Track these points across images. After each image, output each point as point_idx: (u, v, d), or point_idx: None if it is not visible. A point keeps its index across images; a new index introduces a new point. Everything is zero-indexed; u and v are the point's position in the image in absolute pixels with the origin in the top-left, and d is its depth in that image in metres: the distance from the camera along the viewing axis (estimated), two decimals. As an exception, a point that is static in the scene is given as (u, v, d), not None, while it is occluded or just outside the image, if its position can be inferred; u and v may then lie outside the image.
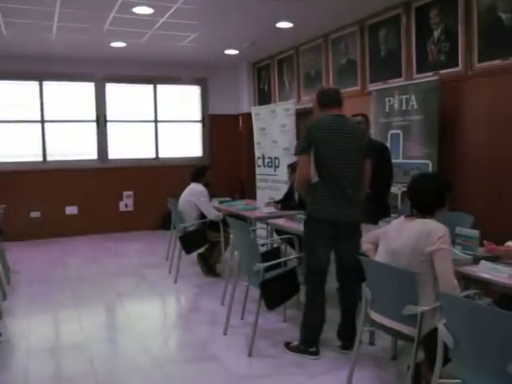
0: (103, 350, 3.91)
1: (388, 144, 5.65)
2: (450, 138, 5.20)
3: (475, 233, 3.20)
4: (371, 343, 3.82)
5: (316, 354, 3.63)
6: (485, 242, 3.35)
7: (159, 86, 9.53)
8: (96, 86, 9.06)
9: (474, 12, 4.92)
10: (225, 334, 4.11)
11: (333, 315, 3.82)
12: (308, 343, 3.65)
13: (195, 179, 6.06)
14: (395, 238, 2.84)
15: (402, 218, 2.91)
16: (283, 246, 5.38)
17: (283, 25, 6.68)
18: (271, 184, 7.82)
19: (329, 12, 6.13)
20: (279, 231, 5.47)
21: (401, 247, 2.77)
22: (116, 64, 8.90)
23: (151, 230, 9.12)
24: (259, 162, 8.10)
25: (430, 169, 5.15)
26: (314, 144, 3.49)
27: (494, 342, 2.01)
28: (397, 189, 5.51)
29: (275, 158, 7.70)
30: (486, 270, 2.85)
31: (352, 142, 3.57)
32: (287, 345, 3.77)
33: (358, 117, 4.84)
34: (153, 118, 9.52)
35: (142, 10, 5.92)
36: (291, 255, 4.61)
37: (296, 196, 6.07)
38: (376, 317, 2.93)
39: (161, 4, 5.71)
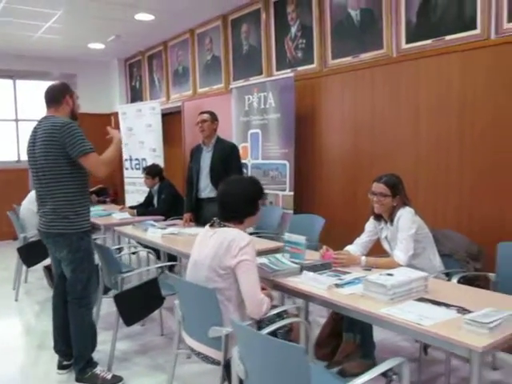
0: None
1: (248, 144, 5.41)
2: (307, 138, 5.04)
3: (302, 239, 2.95)
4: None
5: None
6: (323, 247, 3.13)
7: (20, 82, 8.68)
8: None
9: (327, 8, 4.78)
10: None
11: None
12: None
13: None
14: (197, 248, 2.51)
15: (207, 226, 2.57)
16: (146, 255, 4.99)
17: (143, 17, 6.23)
18: (139, 188, 7.33)
19: (190, 4, 5.77)
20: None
21: (201, 259, 2.44)
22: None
23: (12, 240, 8.25)
24: (127, 164, 7.60)
25: (288, 170, 4.94)
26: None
27: (278, 374, 1.71)
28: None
29: (142, 160, 7.24)
30: (307, 281, 2.60)
31: (42, 145, 3.00)
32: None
33: (204, 114, 4.52)
34: (13, 117, 8.66)
35: (-26, -7, 5.23)
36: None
37: (155, 201, 5.67)
38: (187, 339, 2.57)
39: (-6, -14, 5.07)
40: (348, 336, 3.11)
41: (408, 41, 4.11)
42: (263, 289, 2.54)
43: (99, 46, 7.82)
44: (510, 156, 3.51)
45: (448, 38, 3.82)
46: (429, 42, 3.96)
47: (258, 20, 5.62)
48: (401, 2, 4.12)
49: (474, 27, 3.65)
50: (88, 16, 6.14)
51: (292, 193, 4.94)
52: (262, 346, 1.72)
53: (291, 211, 4.90)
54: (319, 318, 3.98)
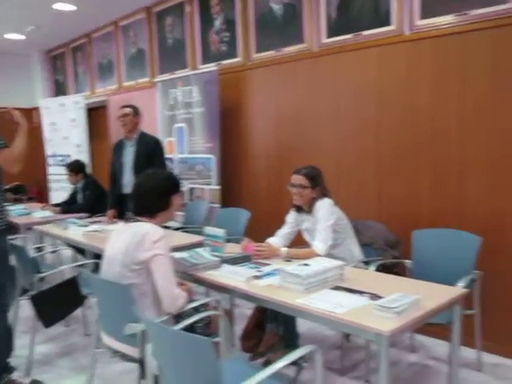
0: None
1: (173, 138, 5.35)
2: (233, 131, 5.04)
3: (221, 232, 2.95)
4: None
5: None
6: (244, 239, 3.15)
7: None
8: None
9: (251, 2, 4.78)
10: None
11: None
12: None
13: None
14: (110, 243, 2.46)
15: (122, 221, 2.53)
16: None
17: (63, 6, 6.00)
18: (65, 185, 7.07)
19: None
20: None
21: (114, 254, 2.40)
22: None
23: None
24: (51, 160, 7.32)
25: (214, 164, 4.92)
26: None
27: (189, 368, 1.70)
28: (184, 185, 5.23)
29: (67, 156, 7.00)
30: (226, 274, 2.60)
31: None
32: None
33: (126, 108, 4.42)
34: None
35: None
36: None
37: (80, 198, 5.50)
38: (105, 338, 2.51)
39: None
40: (271, 327, 3.13)
41: (329, 35, 4.18)
42: (182, 284, 2.53)
43: (18, 36, 7.46)
44: (423, 149, 3.65)
45: (366, 33, 3.92)
46: (348, 36, 4.04)
47: (183, 13, 5.56)
48: (320, -3, 4.19)
49: (389, 23, 3.77)
50: (2, 4, 5.85)
51: (219, 187, 4.93)
52: (172, 341, 1.70)
53: (218, 205, 4.90)
54: (247, 310, 4.00)
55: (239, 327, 3.34)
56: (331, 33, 4.16)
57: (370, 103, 3.95)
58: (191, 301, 2.48)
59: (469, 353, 3.22)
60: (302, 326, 3.28)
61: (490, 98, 3.31)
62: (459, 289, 2.52)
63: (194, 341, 1.57)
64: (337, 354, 3.45)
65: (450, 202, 3.53)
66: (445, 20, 3.48)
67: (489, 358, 3.31)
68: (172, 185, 2.52)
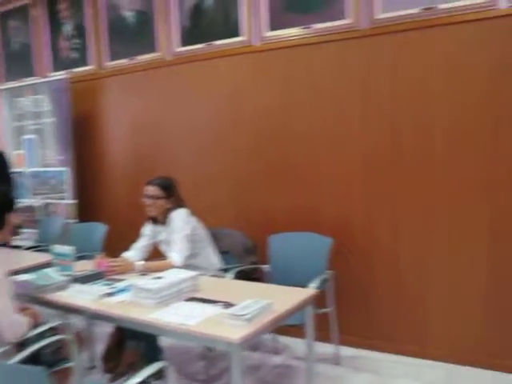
0: None
1: (23, 151, 4.99)
2: (87, 142, 4.82)
3: (69, 249, 2.79)
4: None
5: None
6: (98, 256, 3.00)
7: None
8: None
9: (103, 8, 4.61)
10: None
11: None
12: None
13: None
14: None
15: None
16: None
17: None
18: None
19: None
20: None
21: None
22: None
23: None
24: None
25: (68, 177, 4.65)
26: None
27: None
28: (37, 201, 4.90)
29: None
30: (75, 294, 2.46)
31: None
32: None
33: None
34: None
35: None
36: None
37: None
38: None
39: None
40: (131, 344, 3.01)
41: (182, 44, 4.17)
42: (25, 308, 2.34)
43: None
44: (278, 158, 3.77)
45: (217, 42, 3.96)
46: (201, 46, 4.06)
47: (28, 16, 5.21)
48: (171, 6, 4.15)
49: (239, 34, 3.85)
50: None
51: (75, 201, 4.67)
52: (2, 375, 1.55)
53: (75, 220, 4.64)
54: (108, 328, 3.83)
55: (101, 347, 3.18)
56: (184, 42, 4.15)
57: (225, 114, 4.00)
58: (37, 326, 2.30)
59: (328, 348, 3.37)
60: (166, 339, 3.20)
61: (337, 106, 3.51)
62: (311, 290, 2.63)
63: (26, 373, 1.44)
64: (202, 364, 3.42)
65: (304, 207, 3.68)
66: (292, 32, 3.64)
67: (347, 352, 3.49)
68: (6, 202, 2.31)
